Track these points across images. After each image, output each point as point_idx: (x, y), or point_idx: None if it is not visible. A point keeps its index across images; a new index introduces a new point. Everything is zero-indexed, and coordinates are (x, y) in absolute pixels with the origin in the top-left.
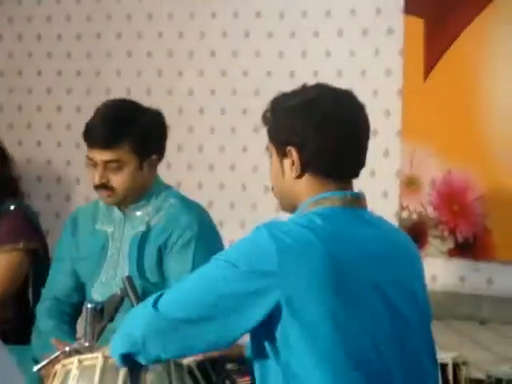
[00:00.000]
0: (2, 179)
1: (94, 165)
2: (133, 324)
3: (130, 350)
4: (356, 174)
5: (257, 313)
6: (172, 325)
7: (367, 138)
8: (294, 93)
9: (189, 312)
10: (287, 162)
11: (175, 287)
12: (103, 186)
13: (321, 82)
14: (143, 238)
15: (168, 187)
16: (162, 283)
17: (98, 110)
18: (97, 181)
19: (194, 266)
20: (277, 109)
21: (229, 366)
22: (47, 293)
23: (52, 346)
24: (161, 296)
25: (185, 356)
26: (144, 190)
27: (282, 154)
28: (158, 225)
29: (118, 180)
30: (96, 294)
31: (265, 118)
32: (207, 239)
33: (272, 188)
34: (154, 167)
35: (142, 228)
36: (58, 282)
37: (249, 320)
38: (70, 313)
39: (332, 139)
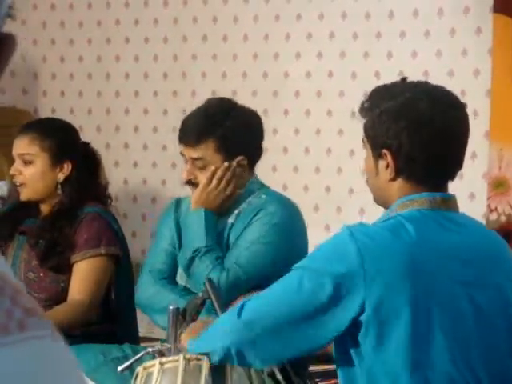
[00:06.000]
0: (85, 183)
1: (186, 160)
2: (221, 335)
3: (224, 361)
4: (453, 176)
5: (342, 315)
6: (259, 334)
7: (466, 139)
8: (391, 91)
9: (274, 321)
10: (382, 164)
11: (259, 296)
12: (190, 183)
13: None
14: (231, 228)
15: (264, 186)
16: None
17: (197, 108)
18: (184, 176)
19: (256, 244)
20: (374, 108)
21: (311, 369)
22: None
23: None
24: (244, 305)
25: (280, 362)
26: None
27: (378, 155)
28: (244, 211)
29: (203, 178)
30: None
31: (362, 110)
32: (284, 237)
33: (366, 180)
34: (242, 170)
35: (231, 220)
36: (156, 262)
37: (336, 323)
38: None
39: (427, 145)
